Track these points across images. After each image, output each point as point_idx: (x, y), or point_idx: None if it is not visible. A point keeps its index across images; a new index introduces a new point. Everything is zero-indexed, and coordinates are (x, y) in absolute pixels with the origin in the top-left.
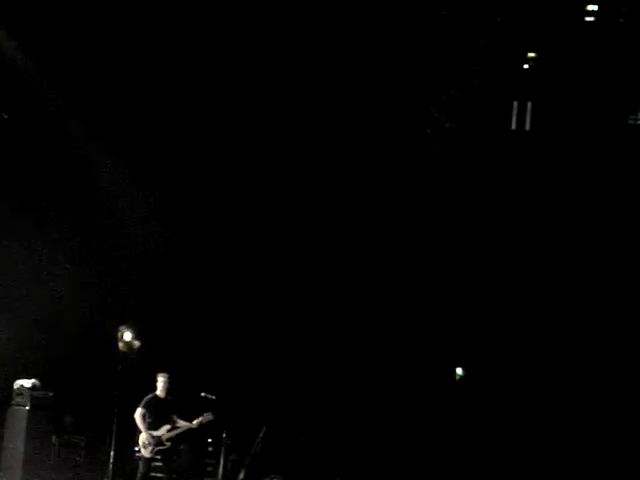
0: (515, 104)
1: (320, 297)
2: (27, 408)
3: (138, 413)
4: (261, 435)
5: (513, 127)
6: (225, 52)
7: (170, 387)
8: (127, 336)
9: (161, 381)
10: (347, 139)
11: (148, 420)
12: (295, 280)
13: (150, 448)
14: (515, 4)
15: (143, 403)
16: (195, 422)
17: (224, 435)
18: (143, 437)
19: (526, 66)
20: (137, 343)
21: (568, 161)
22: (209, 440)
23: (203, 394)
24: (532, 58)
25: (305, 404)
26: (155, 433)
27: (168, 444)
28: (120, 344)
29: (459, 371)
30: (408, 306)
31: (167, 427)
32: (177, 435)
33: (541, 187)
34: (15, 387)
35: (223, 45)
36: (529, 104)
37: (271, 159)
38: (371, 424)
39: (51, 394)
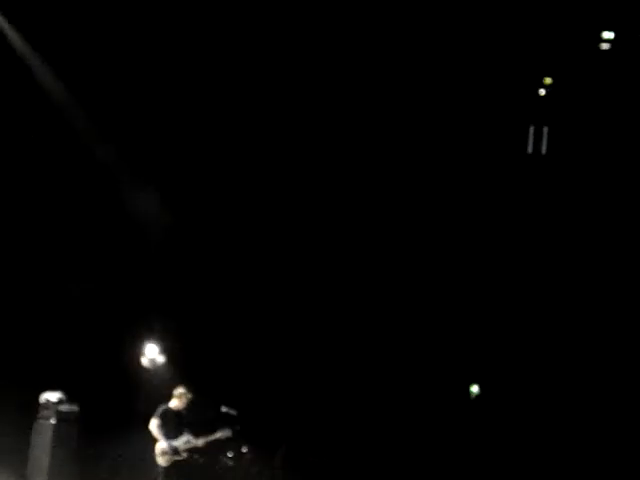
0: (531, 129)
1: (336, 312)
2: (53, 422)
3: (154, 423)
4: (281, 452)
5: (529, 151)
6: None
7: (189, 400)
8: (151, 351)
9: (180, 394)
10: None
11: (163, 431)
12: (314, 297)
13: (167, 457)
14: (531, 30)
15: (158, 413)
16: (211, 438)
17: (244, 449)
18: (160, 446)
19: (542, 91)
20: (161, 358)
21: (584, 185)
22: (229, 455)
23: (224, 409)
24: (548, 84)
25: (323, 418)
26: (174, 443)
27: (185, 455)
28: (144, 359)
29: (474, 389)
30: (424, 323)
31: (185, 438)
32: (194, 448)
33: (557, 211)
34: (41, 401)
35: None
36: (545, 129)
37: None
38: (388, 441)
39: (76, 408)
